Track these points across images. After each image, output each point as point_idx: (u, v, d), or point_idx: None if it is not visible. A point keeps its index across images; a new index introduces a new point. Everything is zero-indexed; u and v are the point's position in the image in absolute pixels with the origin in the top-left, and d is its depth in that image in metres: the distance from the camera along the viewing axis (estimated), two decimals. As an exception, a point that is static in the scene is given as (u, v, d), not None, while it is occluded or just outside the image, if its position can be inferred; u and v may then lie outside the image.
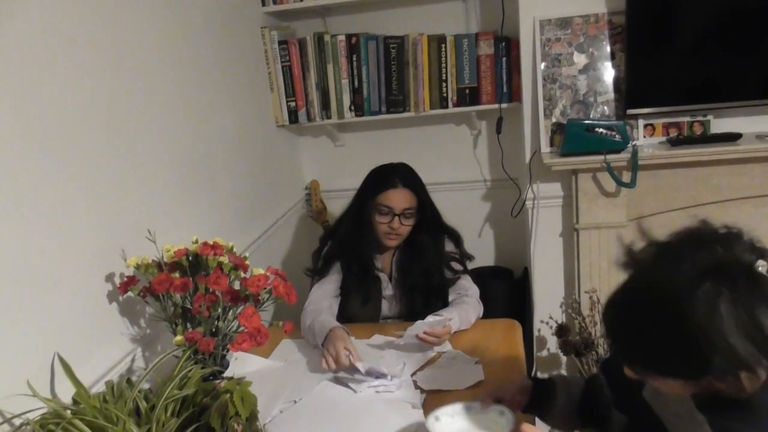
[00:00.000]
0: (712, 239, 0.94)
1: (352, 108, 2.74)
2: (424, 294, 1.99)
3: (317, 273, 2.05)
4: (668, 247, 0.98)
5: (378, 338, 1.86)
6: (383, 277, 2.07)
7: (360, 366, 1.58)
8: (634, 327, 0.98)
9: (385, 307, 2.07)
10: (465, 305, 1.91)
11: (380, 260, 2.08)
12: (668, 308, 0.92)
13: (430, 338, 1.71)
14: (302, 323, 1.89)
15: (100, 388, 1.35)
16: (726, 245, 0.92)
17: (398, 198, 1.94)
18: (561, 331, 2.41)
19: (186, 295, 1.47)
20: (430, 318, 1.74)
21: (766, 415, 0.96)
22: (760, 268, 0.90)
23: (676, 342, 0.91)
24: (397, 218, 1.94)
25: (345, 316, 2.01)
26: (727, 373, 0.91)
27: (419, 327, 1.70)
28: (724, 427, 0.97)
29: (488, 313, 1.99)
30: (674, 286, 0.91)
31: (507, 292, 2.79)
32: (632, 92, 2.26)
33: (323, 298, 1.96)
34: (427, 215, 2.00)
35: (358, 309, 2.04)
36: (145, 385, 1.32)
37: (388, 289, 2.07)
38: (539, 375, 2.65)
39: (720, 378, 0.93)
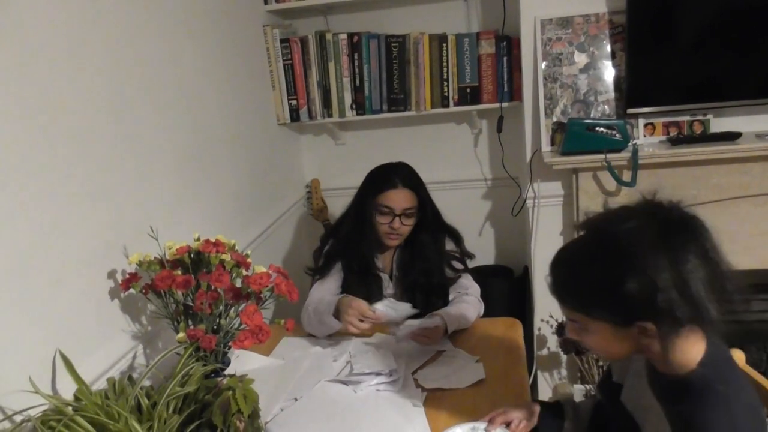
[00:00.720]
0: (656, 204, 1.05)
1: (354, 106, 2.74)
2: (425, 293, 1.99)
3: (318, 272, 2.05)
4: (615, 208, 1.11)
5: (378, 337, 1.87)
6: (384, 276, 2.07)
7: (380, 310, 1.71)
8: (573, 266, 1.10)
9: (386, 307, 2.08)
10: (465, 304, 1.91)
11: (381, 259, 2.08)
12: (601, 244, 1.05)
13: (421, 338, 1.73)
14: (304, 320, 1.89)
15: (102, 384, 1.36)
16: (669, 206, 1.03)
17: (398, 198, 1.94)
18: (561, 329, 2.41)
19: (188, 293, 1.47)
20: (417, 321, 1.76)
21: (714, 394, 1.00)
22: (701, 226, 1.00)
23: (605, 273, 1.02)
24: (397, 218, 1.94)
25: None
26: (649, 315, 0.99)
27: (408, 327, 1.73)
28: (681, 412, 1.03)
29: (489, 312, 2.00)
30: (609, 227, 1.05)
31: (507, 290, 2.80)
32: (632, 91, 2.27)
33: (324, 296, 1.97)
34: (427, 214, 2.00)
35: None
36: (147, 382, 1.32)
37: (389, 288, 2.07)
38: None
39: (644, 331, 1.01)
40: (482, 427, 1.34)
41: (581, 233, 1.14)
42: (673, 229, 0.99)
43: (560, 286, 1.12)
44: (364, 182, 2.05)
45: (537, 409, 1.37)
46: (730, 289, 0.99)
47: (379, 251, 2.07)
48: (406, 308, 1.79)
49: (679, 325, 0.99)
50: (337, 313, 1.77)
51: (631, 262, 0.98)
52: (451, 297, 2.00)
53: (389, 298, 1.85)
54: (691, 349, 1.04)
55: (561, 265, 1.14)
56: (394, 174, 1.99)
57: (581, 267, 1.09)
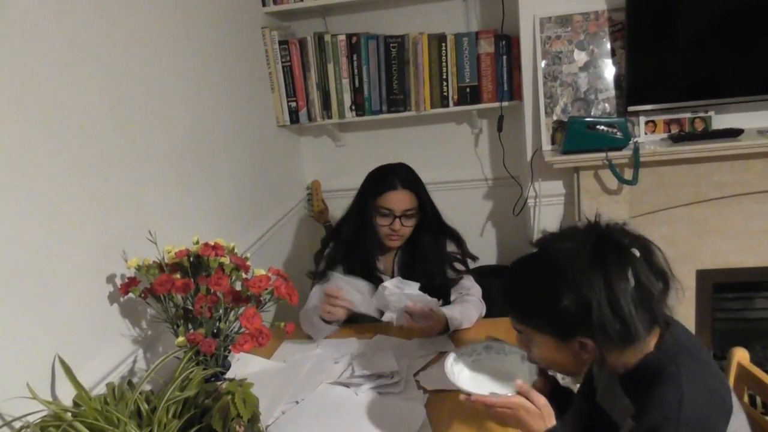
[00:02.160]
0: (596, 227, 1.12)
1: (353, 108, 2.74)
2: (429, 294, 1.99)
3: (319, 276, 2.04)
4: (565, 228, 1.18)
5: (380, 338, 1.86)
6: (385, 278, 2.06)
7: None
8: (520, 279, 1.20)
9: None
10: (467, 304, 1.90)
11: (382, 261, 2.07)
12: (544, 261, 1.14)
13: (415, 315, 1.75)
14: (302, 322, 1.89)
15: (101, 390, 1.35)
16: (607, 230, 1.10)
17: (398, 199, 1.93)
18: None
19: (187, 296, 1.47)
20: (414, 290, 1.76)
21: (666, 373, 1.05)
22: (633, 251, 1.06)
23: (545, 288, 1.09)
24: (397, 220, 1.93)
25: (347, 317, 2.01)
26: (585, 331, 1.06)
27: (403, 296, 1.74)
28: (639, 393, 1.09)
29: (490, 312, 1.99)
30: (553, 246, 1.14)
31: (509, 290, 2.78)
32: (633, 89, 2.26)
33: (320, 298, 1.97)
34: (427, 215, 1.99)
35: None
36: (147, 387, 1.31)
37: (390, 291, 2.06)
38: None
39: (584, 346, 1.09)
40: (498, 346, 1.36)
41: (533, 251, 1.20)
42: (608, 251, 1.06)
43: (508, 298, 1.20)
44: (364, 184, 2.04)
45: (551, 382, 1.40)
46: (659, 309, 1.07)
47: (380, 253, 2.07)
48: (414, 287, 1.77)
49: (612, 342, 1.06)
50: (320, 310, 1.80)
51: (568, 279, 1.05)
52: (452, 298, 1.99)
53: (398, 276, 1.84)
54: (632, 356, 1.11)
55: (510, 278, 1.24)
56: (392, 175, 1.98)
57: (526, 281, 1.18)
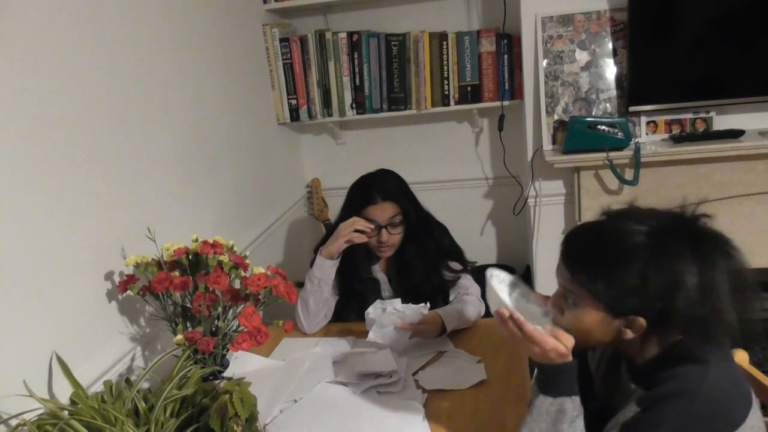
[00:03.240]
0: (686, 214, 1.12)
1: (354, 106, 2.73)
2: (424, 297, 1.99)
3: None
4: (646, 208, 1.17)
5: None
6: (382, 278, 2.06)
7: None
8: (598, 244, 1.11)
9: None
10: (465, 303, 1.89)
11: (378, 264, 2.06)
12: (627, 235, 1.07)
13: (413, 330, 1.73)
14: (299, 308, 1.92)
15: (99, 387, 1.34)
16: (699, 220, 1.08)
17: (380, 212, 1.92)
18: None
19: (186, 294, 1.46)
20: (396, 307, 1.74)
21: (690, 358, 1.04)
22: (733, 246, 1.04)
23: (630, 262, 1.03)
24: (384, 230, 1.93)
25: (342, 316, 2.00)
26: (649, 312, 1.03)
27: (385, 320, 1.72)
28: (657, 378, 1.06)
29: (490, 312, 1.98)
30: (645, 222, 1.08)
31: (509, 290, 2.78)
32: (634, 89, 2.25)
33: None
34: (412, 223, 1.97)
35: (356, 311, 2.03)
36: (145, 385, 1.31)
37: (386, 291, 2.05)
38: None
39: (631, 324, 1.06)
40: (525, 290, 1.29)
41: (605, 220, 1.17)
42: (705, 240, 1.04)
43: (574, 256, 1.14)
44: (347, 198, 2.03)
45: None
46: (749, 301, 1.04)
47: (374, 263, 2.06)
48: (396, 303, 1.76)
49: (668, 328, 1.05)
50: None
51: (661, 259, 1.01)
52: (451, 298, 1.99)
53: (398, 300, 1.80)
54: (661, 342, 1.09)
55: (584, 235, 1.17)
56: (372, 189, 1.96)
57: (607, 246, 1.09)
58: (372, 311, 1.74)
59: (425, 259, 1.98)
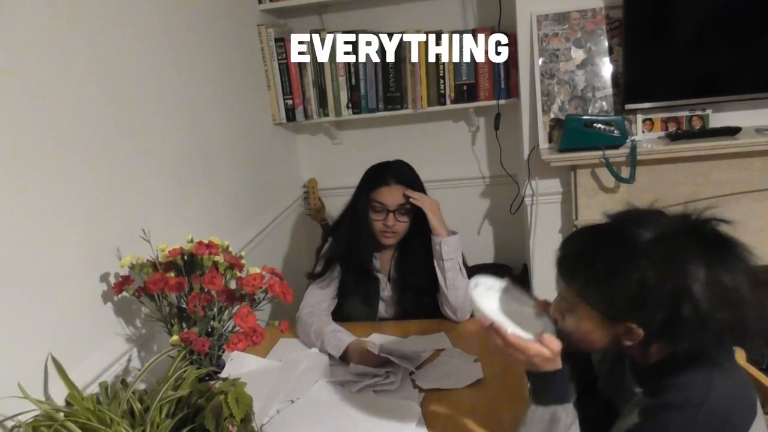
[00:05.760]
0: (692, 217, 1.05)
1: (350, 105, 2.73)
2: (416, 292, 1.99)
3: (318, 276, 2.02)
4: (645, 209, 1.10)
5: (376, 337, 1.85)
6: (382, 278, 2.06)
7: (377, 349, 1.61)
8: (594, 250, 1.07)
9: (382, 308, 2.06)
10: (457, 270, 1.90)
11: (379, 260, 2.06)
12: (634, 240, 1.01)
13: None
14: (298, 327, 1.88)
15: (95, 389, 1.34)
16: (704, 222, 1.03)
17: (391, 195, 1.93)
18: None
19: (181, 295, 1.46)
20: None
21: (697, 359, 1.01)
22: (742, 248, 1.01)
23: (629, 270, 0.99)
24: (391, 215, 1.93)
25: (342, 315, 2.00)
26: (637, 319, 1.00)
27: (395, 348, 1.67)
28: (666, 378, 1.04)
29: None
30: (647, 227, 1.02)
31: (506, 289, 2.77)
32: (630, 87, 2.25)
33: (321, 300, 1.96)
34: (420, 213, 1.98)
35: (355, 309, 2.03)
36: (141, 386, 1.31)
37: (386, 290, 2.05)
38: None
39: (629, 332, 1.02)
40: (516, 292, 1.25)
41: (609, 221, 1.11)
42: (716, 244, 0.99)
43: (570, 263, 1.11)
44: (361, 181, 2.04)
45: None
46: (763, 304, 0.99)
47: (377, 251, 2.06)
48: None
49: (668, 338, 1.01)
50: (345, 355, 1.71)
51: (666, 267, 0.96)
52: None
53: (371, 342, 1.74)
54: (665, 349, 1.05)
55: (580, 241, 1.13)
56: (387, 172, 1.98)
57: (603, 253, 1.05)
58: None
59: (424, 257, 1.97)
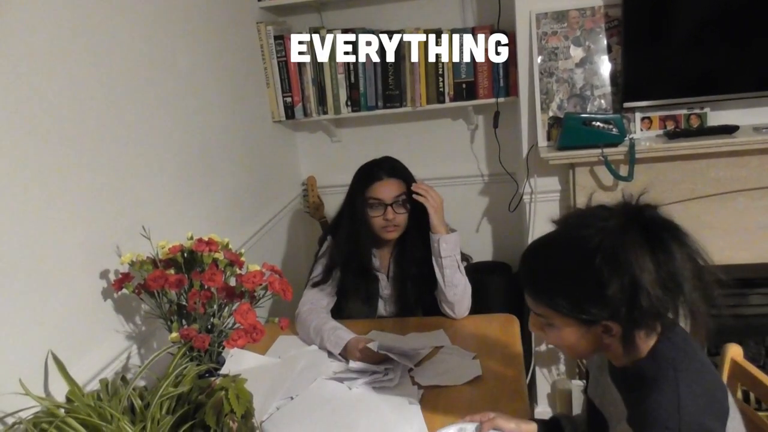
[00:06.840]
0: (632, 205, 1.05)
1: (349, 103, 2.73)
2: (416, 285, 1.99)
3: (319, 285, 2.01)
4: (593, 207, 1.10)
5: (375, 334, 1.86)
6: (381, 276, 2.06)
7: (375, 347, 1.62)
8: (549, 261, 1.10)
9: (381, 307, 2.07)
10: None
11: (379, 258, 2.06)
12: (581, 242, 1.01)
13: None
14: (297, 325, 1.88)
15: (95, 385, 1.34)
16: (646, 209, 1.03)
17: (386, 189, 1.94)
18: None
19: (181, 292, 1.46)
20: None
21: (663, 378, 1.02)
22: (683, 231, 1.01)
23: (583, 271, 1.01)
24: (389, 208, 1.93)
25: (342, 314, 2.00)
26: (617, 315, 1.00)
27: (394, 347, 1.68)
28: (635, 397, 1.06)
29: (486, 308, 1.99)
30: (590, 226, 1.02)
31: (505, 286, 2.79)
32: (629, 85, 2.25)
33: (320, 298, 1.96)
34: (417, 205, 1.98)
35: (355, 308, 2.04)
36: (141, 383, 1.31)
37: (386, 289, 2.06)
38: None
39: (608, 330, 1.04)
40: (471, 428, 1.30)
41: (557, 228, 1.13)
42: (656, 230, 0.99)
43: (529, 280, 1.12)
44: (352, 181, 2.04)
45: (533, 427, 1.32)
46: (713, 288, 1.00)
47: (376, 248, 2.06)
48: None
49: (645, 326, 1.02)
50: (345, 352, 1.72)
51: (615, 262, 0.97)
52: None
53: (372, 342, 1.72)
54: (643, 345, 1.07)
55: (535, 258, 1.14)
56: (377, 167, 1.99)
57: (558, 263, 1.08)
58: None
59: (426, 248, 1.97)
